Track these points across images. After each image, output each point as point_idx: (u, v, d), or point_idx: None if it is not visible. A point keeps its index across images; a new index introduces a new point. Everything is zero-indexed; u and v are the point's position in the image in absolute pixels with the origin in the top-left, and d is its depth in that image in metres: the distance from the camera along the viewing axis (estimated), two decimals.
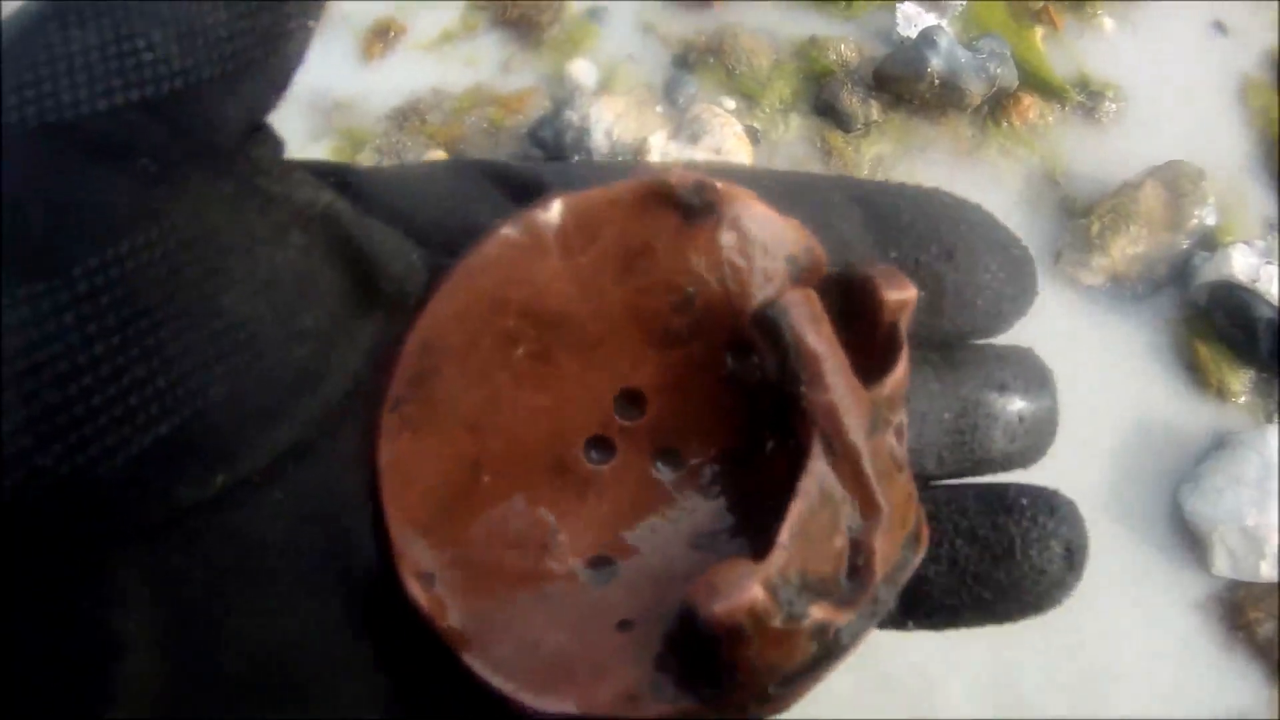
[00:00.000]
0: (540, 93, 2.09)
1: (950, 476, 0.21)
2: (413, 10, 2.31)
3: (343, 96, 2.27)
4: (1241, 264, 1.89)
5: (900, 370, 0.17)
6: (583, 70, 2.03)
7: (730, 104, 2.03)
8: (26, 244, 0.12)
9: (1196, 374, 1.89)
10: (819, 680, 0.15)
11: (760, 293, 0.17)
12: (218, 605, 0.14)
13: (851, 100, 2.01)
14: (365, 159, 2.14)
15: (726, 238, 0.17)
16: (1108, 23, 2.31)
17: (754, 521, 0.16)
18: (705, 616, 0.14)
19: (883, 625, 0.18)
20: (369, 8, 2.38)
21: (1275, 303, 1.83)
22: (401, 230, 0.16)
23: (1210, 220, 2.06)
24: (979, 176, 2.04)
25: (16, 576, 0.12)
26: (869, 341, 0.17)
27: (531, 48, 2.12)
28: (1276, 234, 2.06)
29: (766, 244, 0.17)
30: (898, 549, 0.16)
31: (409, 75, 2.25)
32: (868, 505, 0.16)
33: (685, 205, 0.17)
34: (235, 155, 0.14)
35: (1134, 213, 2.06)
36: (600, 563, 0.17)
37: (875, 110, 2.03)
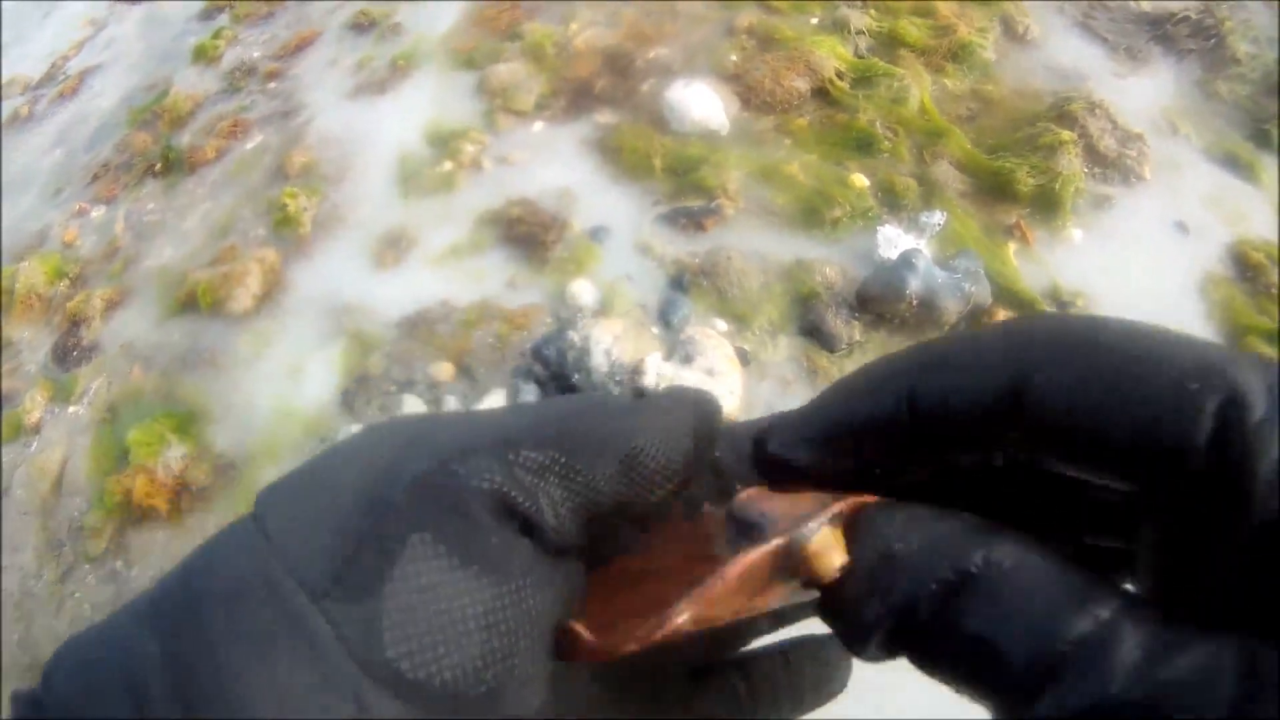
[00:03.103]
0: (543, 309, 2.22)
1: None
2: (424, 224, 2.47)
3: (354, 300, 2.40)
4: None
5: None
6: (583, 290, 2.16)
7: (722, 325, 2.15)
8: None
9: None
10: None
11: None
12: None
13: (836, 322, 2.12)
14: (375, 364, 2.24)
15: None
16: (1076, 234, 2.45)
17: None
18: None
19: None
20: (382, 217, 2.55)
21: None
22: None
23: None
24: None
25: None
26: None
27: (536, 266, 2.26)
28: None
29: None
30: None
31: (419, 285, 2.39)
32: None
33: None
34: None
35: None
36: None
37: (858, 330, 2.15)
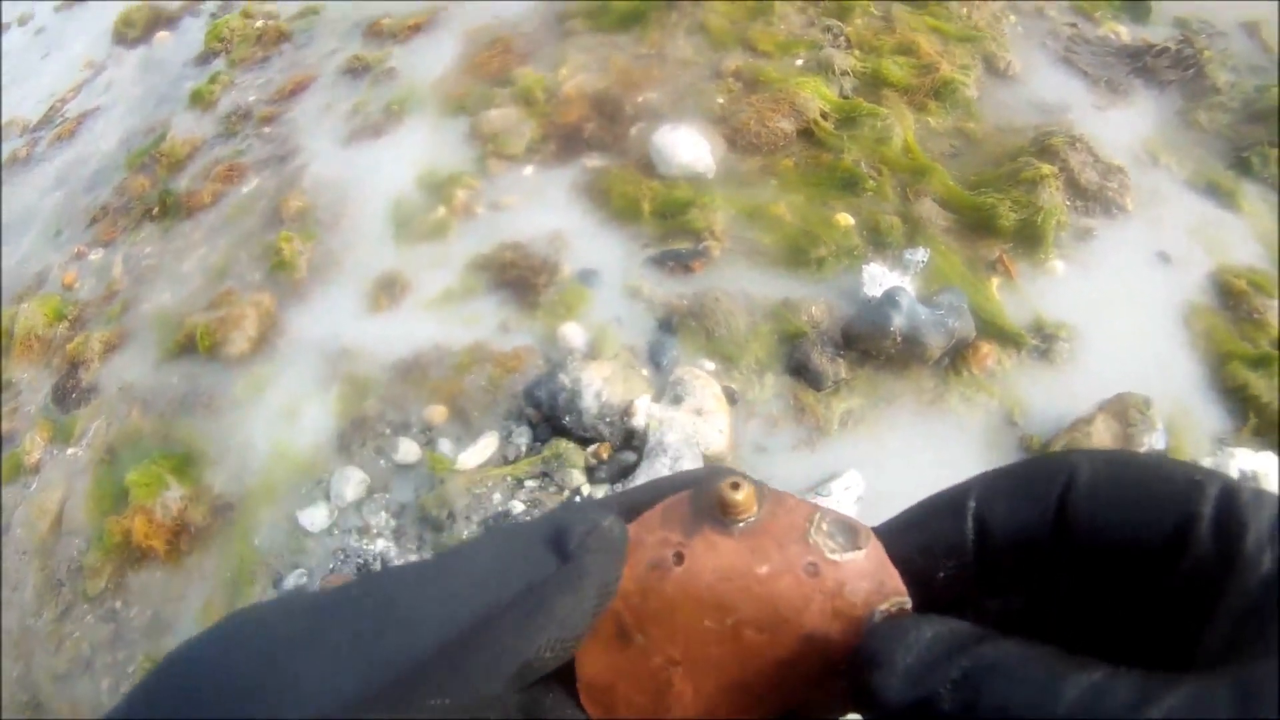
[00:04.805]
0: (535, 352, 2.27)
1: None
2: (418, 268, 2.51)
3: (350, 344, 2.44)
4: None
5: None
6: (573, 333, 2.20)
7: (710, 365, 2.19)
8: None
9: None
10: None
11: None
12: None
13: (822, 360, 2.16)
14: (370, 407, 2.27)
15: None
16: (1059, 266, 2.49)
17: None
18: None
19: None
20: (376, 262, 2.59)
21: None
22: None
23: (1160, 444, 2.16)
24: (942, 426, 2.16)
25: None
26: None
27: (527, 310, 2.30)
28: (1224, 449, 2.15)
29: None
30: None
31: (412, 329, 2.43)
32: None
33: None
34: None
35: (1087, 447, 2.17)
36: None
37: (844, 368, 2.19)
